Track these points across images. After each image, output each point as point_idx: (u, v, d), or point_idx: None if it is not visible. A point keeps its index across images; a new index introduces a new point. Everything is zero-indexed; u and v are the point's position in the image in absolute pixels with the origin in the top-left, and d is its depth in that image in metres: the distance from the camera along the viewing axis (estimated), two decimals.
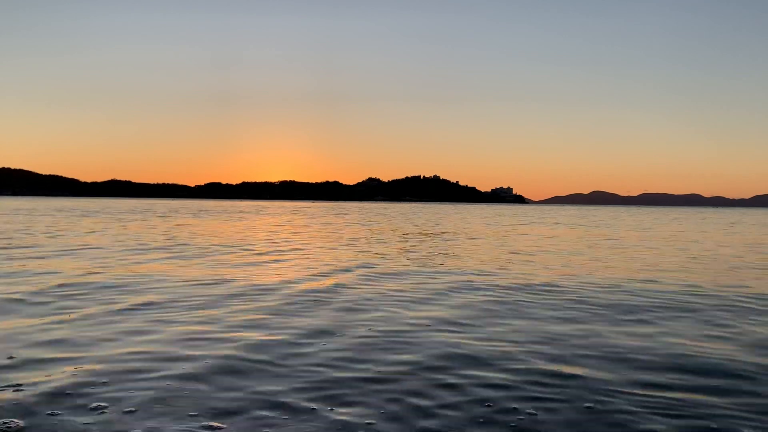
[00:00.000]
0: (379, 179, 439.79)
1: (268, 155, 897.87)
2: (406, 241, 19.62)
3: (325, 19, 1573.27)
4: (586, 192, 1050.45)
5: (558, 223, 41.54)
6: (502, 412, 3.86)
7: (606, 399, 4.16)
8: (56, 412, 3.73)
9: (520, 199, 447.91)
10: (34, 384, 4.20)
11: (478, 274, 10.91)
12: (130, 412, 3.75)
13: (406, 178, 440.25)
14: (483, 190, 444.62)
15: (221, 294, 8.16)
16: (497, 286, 9.39)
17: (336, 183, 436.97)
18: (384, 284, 9.42)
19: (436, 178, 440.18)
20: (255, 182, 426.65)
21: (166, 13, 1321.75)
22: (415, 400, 4.05)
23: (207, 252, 14.47)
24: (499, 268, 11.97)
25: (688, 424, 3.76)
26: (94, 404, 3.86)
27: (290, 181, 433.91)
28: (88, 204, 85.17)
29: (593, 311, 7.39)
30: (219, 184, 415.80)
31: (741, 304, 8.13)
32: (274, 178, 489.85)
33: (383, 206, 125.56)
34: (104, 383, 4.26)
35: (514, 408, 3.94)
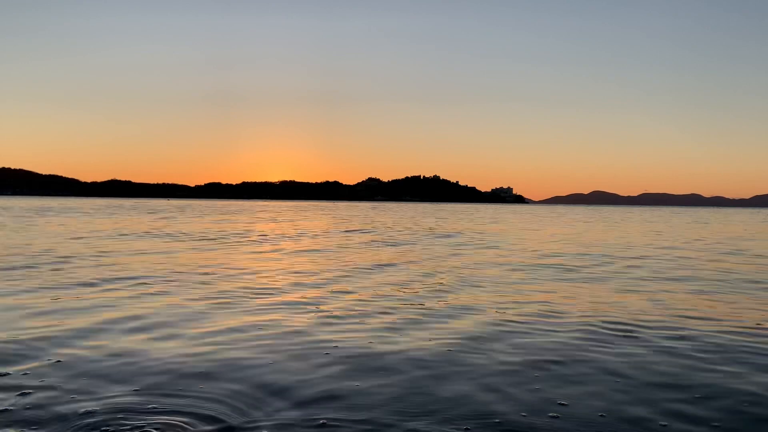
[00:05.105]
0: (379, 179, 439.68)
1: (268, 155, 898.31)
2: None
3: (325, 19, 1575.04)
4: (586, 192, 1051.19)
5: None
6: None
7: None
8: None
9: (520, 199, 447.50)
10: None
11: None
12: None
13: (406, 178, 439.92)
14: (483, 190, 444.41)
15: None
16: None
17: (336, 183, 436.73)
18: None
19: (436, 178, 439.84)
20: (255, 182, 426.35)
21: (166, 13, 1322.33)
22: None
23: None
24: None
25: None
26: None
27: (290, 181, 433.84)
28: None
29: None
30: (219, 184, 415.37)
31: None
32: (274, 178, 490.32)
33: (386, 206, 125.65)
34: None
35: None
